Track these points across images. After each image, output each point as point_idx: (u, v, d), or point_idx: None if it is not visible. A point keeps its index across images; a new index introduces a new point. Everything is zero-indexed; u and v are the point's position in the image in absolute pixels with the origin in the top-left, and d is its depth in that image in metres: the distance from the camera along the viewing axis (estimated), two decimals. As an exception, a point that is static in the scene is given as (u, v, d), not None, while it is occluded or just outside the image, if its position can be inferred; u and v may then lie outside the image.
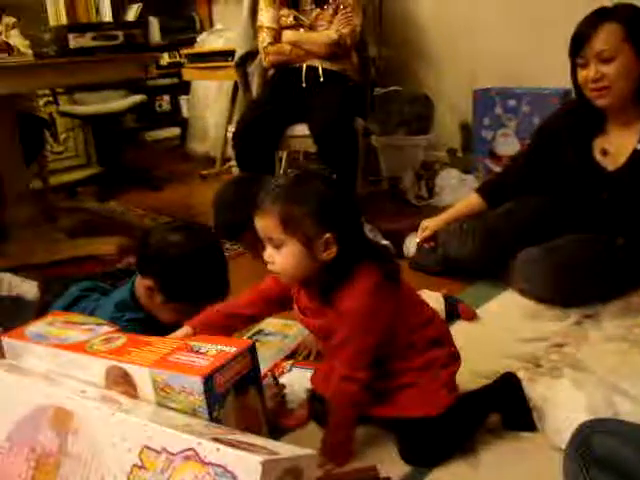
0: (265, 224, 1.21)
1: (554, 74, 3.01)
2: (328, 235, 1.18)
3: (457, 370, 1.33)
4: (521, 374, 1.55)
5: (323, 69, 2.54)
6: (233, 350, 0.97)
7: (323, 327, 1.26)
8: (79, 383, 1.00)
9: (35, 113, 3.14)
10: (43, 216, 2.91)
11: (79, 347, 1.06)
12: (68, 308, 1.60)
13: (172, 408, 0.94)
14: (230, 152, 4.25)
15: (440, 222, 2.20)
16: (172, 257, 1.36)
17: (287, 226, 1.18)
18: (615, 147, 1.91)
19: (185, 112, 4.87)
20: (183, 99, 4.86)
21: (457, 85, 3.44)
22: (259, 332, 1.85)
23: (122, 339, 1.07)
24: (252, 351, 1.00)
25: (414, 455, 1.25)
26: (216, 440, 0.76)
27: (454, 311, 1.87)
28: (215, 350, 0.97)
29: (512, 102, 3.00)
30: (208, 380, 0.90)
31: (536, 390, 1.46)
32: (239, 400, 0.97)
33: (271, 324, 1.89)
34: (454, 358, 1.33)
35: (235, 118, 4.14)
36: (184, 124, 4.86)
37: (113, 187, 3.83)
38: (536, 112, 2.93)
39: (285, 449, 0.82)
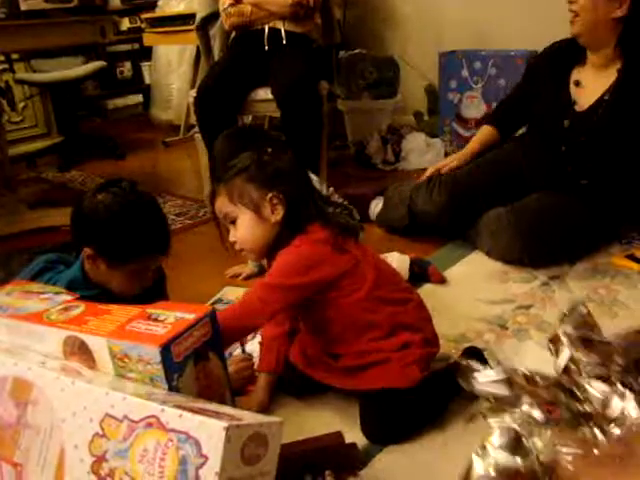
0: (218, 204, 1.28)
1: (520, 36, 3.00)
2: (270, 195, 1.23)
3: (434, 354, 1.32)
4: (487, 336, 1.57)
5: (285, 31, 2.48)
6: (192, 317, 0.94)
7: None
8: (38, 354, 0.97)
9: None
10: (2, 187, 2.83)
11: (37, 317, 1.02)
12: (32, 280, 1.55)
13: (131, 378, 0.91)
14: (194, 118, 4.19)
15: (462, 157, 2.19)
16: (102, 217, 1.30)
17: (233, 197, 1.25)
18: (588, 84, 1.92)
19: (147, 78, 4.76)
20: (145, 65, 4.75)
21: (423, 48, 3.41)
22: (219, 301, 1.83)
23: (80, 308, 1.04)
24: (212, 317, 0.97)
25: (374, 429, 1.23)
26: (179, 407, 0.74)
27: (424, 274, 1.86)
28: (174, 317, 0.95)
29: (478, 64, 2.97)
30: (165, 349, 0.88)
31: (504, 352, 1.47)
32: (199, 368, 0.95)
33: (230, 292, 1.88)
34: (431, 343, 1.31)
35: (197, 83, 4.08)
36: (146, 91, 4.76)
37: (74, 156, 3.75)
38: (502, 74, 2.92)
39: (250, 416, 0.80)
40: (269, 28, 2.49)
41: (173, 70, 4.40)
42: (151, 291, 1.43)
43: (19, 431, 0.84)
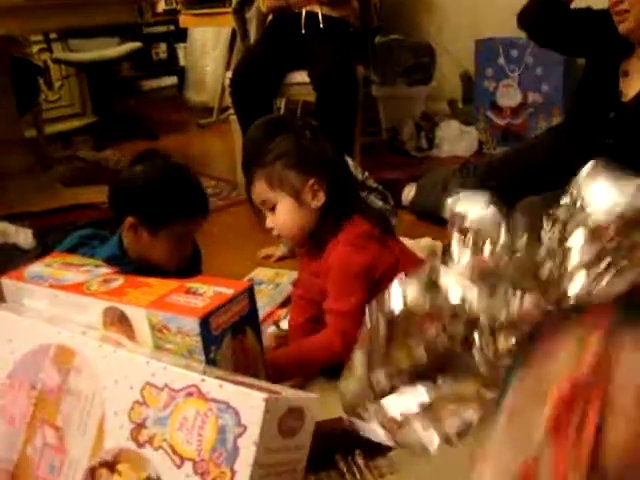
0: (256, 190, 1.27)
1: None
2: (312, 181, 1.22)
3: None
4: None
5: (323, 15, 2.47)
6: (230, 292, 0.96)
7: (323, 287, 1.25)
8: (78, 325, 0.99)
9: (29, 59, 3.08)
10: (38, 165, 2.88)
11: (77, 288, 1.04)
12: (66, 255, 1.58)
13: (169, 350, 0.93)
14: (228, 101, 4.21)
15: None
16: (142, 184, 1.34)
17: (272, 183, 1.24)
18: (634, 74, 1.87)
19: (182, 60, 4.79)
20: (180, 47, 4.77)
21: (459, 35, 3.37)
22: (249, 281, 1.84)
23: (120, 280, 1.06)
24: (250, 293, 0.99)
25: None
26: (218, 378, 0.76)
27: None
28: (212, 292, 0.96)
29: (515, 52, 2.94)
30: (204, 321, 0.89)
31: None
32: (236, 342, 0.96)
33: (262, 273, 1.89)
34: None
35: (232, 66, 4.09)
36: (181, 73, 4.78)
37: (108, 136, 3.79)
38: (539, 63, 2.88)
39: (286, 391, 0.82)
40: (306, 12, 2.48)
41: (208, 52, 4.41)
42: (187, 270, 1.46)
43: (61, 397, 0.86)
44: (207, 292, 0.96)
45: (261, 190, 1.25)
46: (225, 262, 1.93)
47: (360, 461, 1.09)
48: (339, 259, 1.20)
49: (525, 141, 2.13)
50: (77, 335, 0.90)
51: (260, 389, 0.77)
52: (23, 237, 2.00)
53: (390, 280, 1.19)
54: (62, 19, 2.22)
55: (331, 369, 1.35)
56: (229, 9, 3.49)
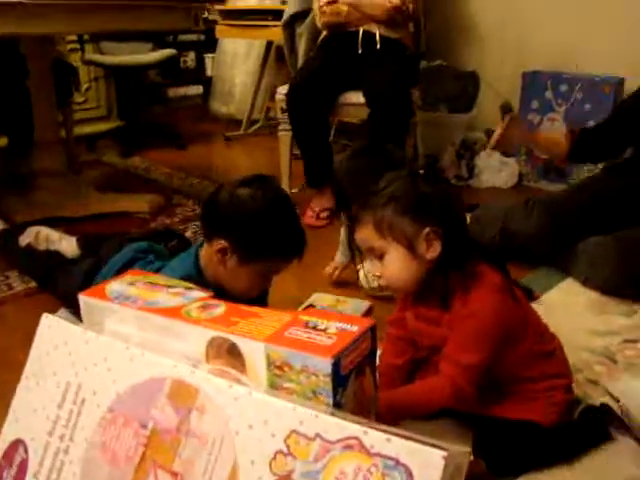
0: (362, 235, 1.15)
1: (607, 61, 2.92)
2: (427, 230, 1.10)
3: (574, 401, 1.25)
4: (598, 368, 1.50)
5: (380, 36, 2.42)
6: (356, 329, 0.88)
7: (441, 336, 1.16)
8: (180, 355, 0.91)
9: (65, 59, 3.02)
10: (68, 167, 2.80)
11: (175, 312, 0.96)
12: (123, 269, 1.50)
13: (287, 389, 0.85)
14: (257, 114, 4.15)
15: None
16: (247, 211, 1.26)
17: (382, 231, 1.12)
18: None
19: (209, 70, 4.73)
20: (208, 57, 4.72)
21: (501, 65, 3.33)
22: (310, 307, 1.76)
23: (222, 307, 0.98)
24: (373, 331, 0.91)
25: (499, 459, 1.13)
26: (380, 430, 0.68)
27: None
28: (335, 328, 0.88)
29: (564, 87, 2.89)
30: (336, 361, 0.81)
31: (617, 388, 1.40)
32: (357, 383, 0.89)
33: (322, 299, 1.81)
34: (572, 390, 1.25)
35: (265, 80, 4.04)
36: (207, 83, 4.72)
37: (134, 142, 3.72)
38: (588, 99, 2.84)
39: (438, 443, 0.74)
40: (363, 31, 2.43)
41: (238, 64, 4.36)
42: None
43: (180, 439, 0.78)
44: (329, 328, 0.89)
45: (368, 236, 1.14)
46: (279, 286, 1.84)
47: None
48: (478, 311, 1.10)
49: (587, 178, 2.07)
50: (199, 371, 0.81)
51: (423, 442, 0.69)
52: (67, 245, 1.91)
53: (519, 338, 1.12)
54: (118, 22, 2.15)
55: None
56: (267, 22, 3.46)
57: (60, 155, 2.62)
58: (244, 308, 0.98)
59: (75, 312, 1.53)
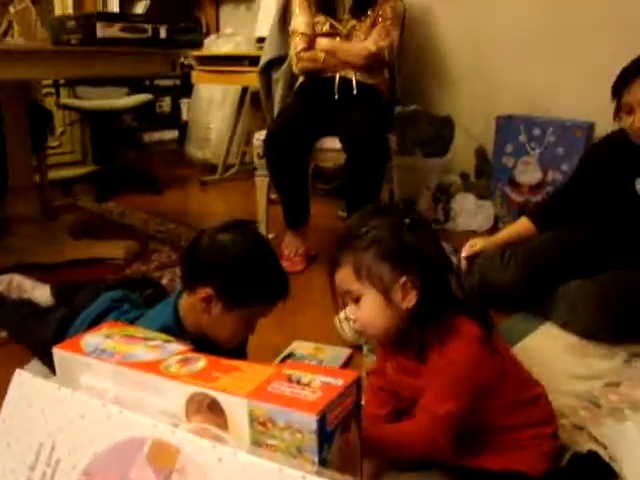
0: (341, 276, 1.14)
1: (577, 106, 2.98)
2: (404, 279, 1.09)
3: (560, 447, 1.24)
4: (583, 414, 1.49)
5: (357, 81, 2.44)
6: (340, 383, 0.86)
7: (420, 387, 1.14)
8: (157, 412, 0.88)
9: (40, 103, 3.00)
10: (43, 213, 2.76)
11: (153, 367, 0.93)
12: (98, 319, 1.47)
13: (271, 446, 0.82)
14: (233, 159, 4.16)
15: (491, 242, 2.11)
16: (230, 257, 1.25)
17: (361, 274, 1.11)
18: None
19: (185, 115, 4.74)
20: (184, 102, 4.73)
21: (475, 110, 3.38)
22: (291, 355, 1.73)
23: (202, 361, 0.95)
24: (358, 384, 0.89)
25: None
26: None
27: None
28: (319, 382, 0.86)
29: (537, 131, 2.94)
30: (322, 417, 0.79)
31: (602, 433, 1.39)
32: (342, 438, 0.86)
33: (302, 347, 1.78)
34: (556, 436, 1.23)
35: (241, 125, 4.06)
36: (183, 127, 4.73)
37: (110, 187, 3.69)
38: (560, 143, 2.88)
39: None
40: (340, 77, 2.46)
41: (214, 109, 4.37)
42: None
43: (160, 501, 0.74)
44: (313, 382, 0.86)
45: (346, 277, 1.13)
46: (260, 333, 1.82)
47: None
48: (455, 360, 1.08)
49: (560, 227, 2.08)
50: (180, 431, 0.78)
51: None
52: (40, 293, 1.87)
53: (498, 389, 1.10)
54: (96, 68, 2.15)
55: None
56: (244, 68, 3.48)
57: (34, 201, 2.59)
58: (225, 362, 0.95)
59: (48, 363, 1.50)
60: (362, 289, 1.12)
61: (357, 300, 1.14)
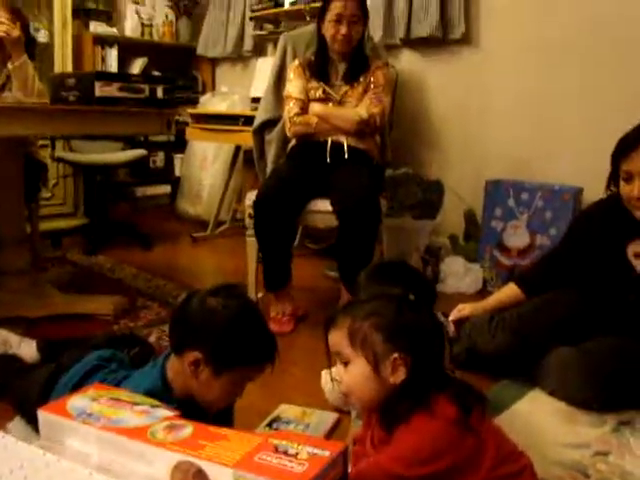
0: (335, 338, 1.17)
1: (564, 171, 3.04)
2: (395, 355, 1.11)
3: None
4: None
5: (348, 146, 2.49)
6: (327, 454, 0.86)
7: None
8: (143, 479, 0.87)
9: (35, 157, 3.02)
10: (33, 265, 2.76)
11: (140, 433, 0.93)
12: (85, 378, 1.46)
13: (255, 517, 0.82)
14: (224, 216, 4.19)
15: (479, 308, 2.12)
16: (219, 322, 1.25)
17: (354, 340, 1.13)
18: None
19: (178, 170, 4.79)
20: (177, 157, 4.79)
21: (464, 174, 3.45)
22: (277, 419, 1.71)
23: (189, 428, 0.95)
24: (344, 455, 0.89)
25: None
26: None
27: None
28: (306, 453, 0.86)
29: (525, 195, 2.99)
30: (308, 490, 0.79)
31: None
32: (329, 511, 0.86)
33: (288, 411, 1.76)
34: None
35: (233, 182, 4.10)
36: (175, 183, 4.77)
37: (100, 240, 3.70)
38: (549, 207, 2.93)
39: None
40: (332, 141, 2.50)
41: (207, 166, 4.42)
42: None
43: None
44: (301, 453, 0.86)
45: (340, 340, 1.15)
46: (247, 396, 1.80)
47: None
48: (420, 429, 1.08)
49: (547, 294, 2.09)
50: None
51: None
52: (26, 350, 1.86)
53: (473, 467, 1.09)
54: (93, 126, 2.19)
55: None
56: (238, 127, 3.54)
57: (25, 253, 2.59)
58: (212, 430, 0.95)
59: (31, 421, 1.48)
60: (353, 355, 1.13)
61: (346, 364, 1.15)
